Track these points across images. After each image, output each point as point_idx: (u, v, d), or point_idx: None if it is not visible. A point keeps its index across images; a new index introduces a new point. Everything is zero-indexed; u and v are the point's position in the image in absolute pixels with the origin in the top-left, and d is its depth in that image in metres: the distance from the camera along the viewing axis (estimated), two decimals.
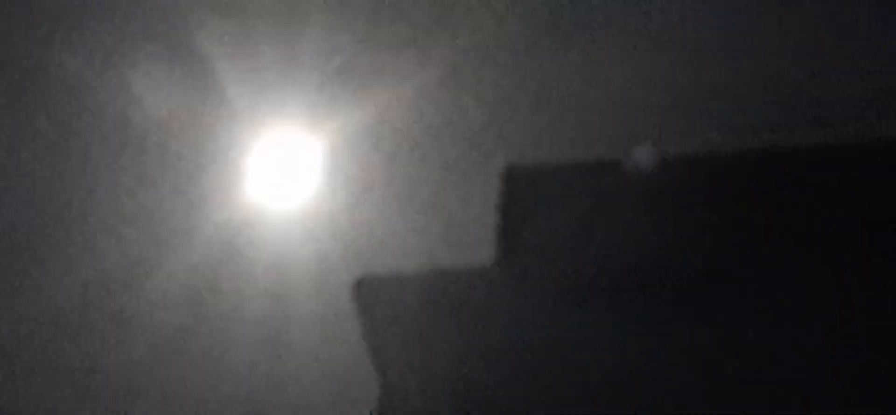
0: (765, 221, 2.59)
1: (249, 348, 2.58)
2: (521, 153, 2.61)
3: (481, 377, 2.24)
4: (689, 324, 2.38)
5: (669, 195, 2.56)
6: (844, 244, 2.53)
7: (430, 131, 2.58)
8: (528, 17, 2.58)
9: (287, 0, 2.53)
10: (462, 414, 2.21)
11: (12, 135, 2.50)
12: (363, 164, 2.58)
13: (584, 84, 2.60)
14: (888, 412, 2.16)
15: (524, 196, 2.60)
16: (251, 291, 2.57)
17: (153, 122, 2.53)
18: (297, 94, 2.55)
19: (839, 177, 2.60)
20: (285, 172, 2.56)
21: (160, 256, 2.55)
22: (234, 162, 2.55)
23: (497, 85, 2.59)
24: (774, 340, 2.29)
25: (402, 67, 2.57)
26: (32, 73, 2.50)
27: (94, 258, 2.55)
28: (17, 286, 2.54)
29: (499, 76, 2.59)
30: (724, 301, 2.44)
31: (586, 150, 2.63)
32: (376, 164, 2.58)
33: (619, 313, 2.42)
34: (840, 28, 2.65)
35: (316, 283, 2.57)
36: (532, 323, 2.41)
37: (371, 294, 2.50)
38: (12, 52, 2.50)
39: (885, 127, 2.62)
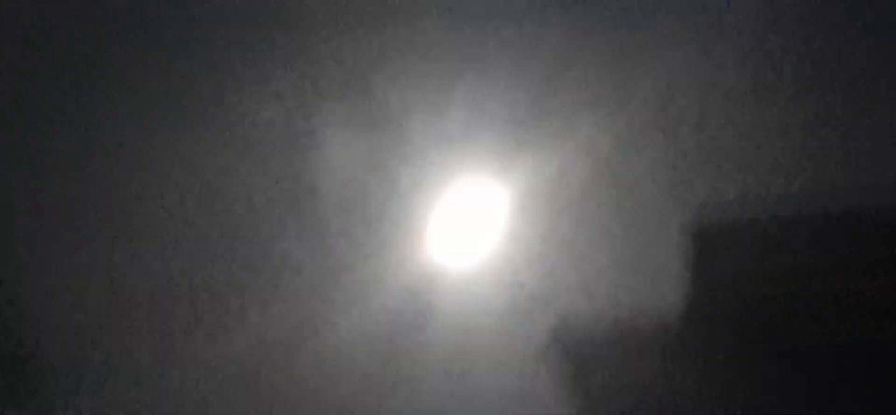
0: None
1: (436, 405, 2.56)
2: (699, 215, 2.61)
3: None
4: None
5: None
6: None
7: (614, 186, 2.58)
8: (713, 73, 2.60)
9: (473, 55, 2.56)
10: None
11: (200, 186, 2.52)
12: (546, 219, 2.58)
13: (768, 138, 2.60)
14: None
15: (702, 257, 2.60)
16: (437, 346, 2.55)
17: (340, 176, 2.54)
18: (483, 149, 2.57)
19: None
20: (471, 227, 2.57)
21: (346, 311, 2.54)
22: (420, 217, 2.56)
23: (684, 140, 2.60)
24: None
25: (587, 122, 2.59)
26: (225, 124, 2.53)
27: (278, 314, 2.54)
28: (193, 344, 2.54)
29: (685, 132, 2.60)
30: None
31: (765, 208, 2.62)
32: (559, 219, 2.58)
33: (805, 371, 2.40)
34: None
35: (502, 337, 2.55)
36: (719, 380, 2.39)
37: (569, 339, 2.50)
38: (203, 104, 2.53)
39: None
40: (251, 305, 2.53)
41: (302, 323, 2.54)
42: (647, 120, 2.59)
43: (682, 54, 2.60)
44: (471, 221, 2.56)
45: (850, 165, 2.58)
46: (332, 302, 2.55)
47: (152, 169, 2.54)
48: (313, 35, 2.54)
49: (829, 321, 2.53)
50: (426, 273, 2.55)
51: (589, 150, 2.58)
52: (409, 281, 2.55)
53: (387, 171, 2.55)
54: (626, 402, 2.35)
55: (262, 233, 2.54)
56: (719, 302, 2.57)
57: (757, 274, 2.57)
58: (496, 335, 2.54)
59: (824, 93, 2.60)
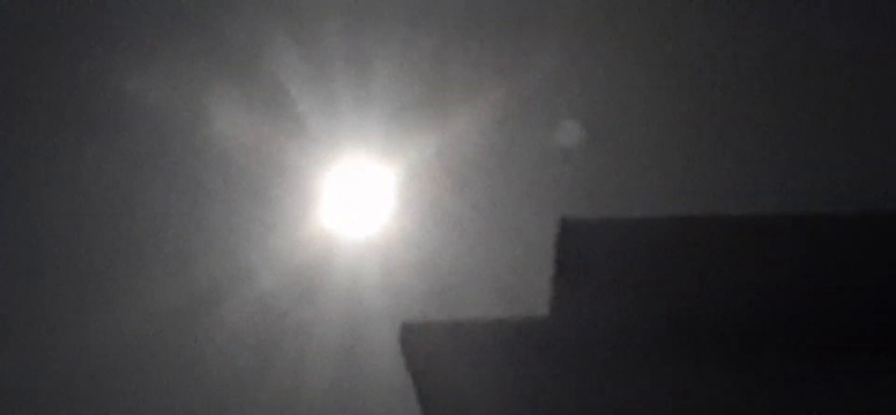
0: None
1: (322, 377, 2.59)
2: (577, 197, 2.63)
3: None
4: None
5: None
6: None
7: (500, 160, 2.61)
8: (598, 45, 2.61)
9: (361, 31, 2.55)
10: None
11: (92, 161, 2.52)
12: (434, 191, 2.61)
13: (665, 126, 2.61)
14: None
15: (580, 247, 2.61)
16: (324, 317, 2.59)
17: (229, 149, 2.55)
18: (372, 123, 2.58)
19: None
20: (359, 200, 2.58)
21: (235, 282, 2.57)
22: (309, 189, 2.58)
23: (564, 118, 2.61)
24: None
25: (475, 96, 2.61)
26: (113, 101, 2.52)
27: (168, 285, 2.56)
28: (90, 314, 2.57)
29: (569, 109, 2.62)
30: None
31: (642, 203, 2.65)
32: (447, 191, 2.60)
33: (669, 370, 2.42)
34: None
35: (388, 310, 2.60)
36: (577, 377, 2.40)
37: (414, 340, 2.52)
38: (94, 80, 2.52)
39: None
40: (146, 279, 2.56)
41: (195, 298, 2.58)
42: (538, 96, 2.61)
43: (579, 32, 2.61)
44: (360, 196, 2.58)
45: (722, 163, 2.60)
46: (225, 276, 2.58)
47: (56, 150, 2.54)
48: (204, 14, 2.54)
49: (680, 314, 2.55)
50: (316, 248, 2.59)
51: (478, 126, 2.59)
52: (299, 256, 2.58)
53: (277, 146, 2.56)
54: (506, 377, 2.36)
55: (156, 210, 2.56)
56: (598, 293, 2.58)
57: (641, 265, 2.59)
58: (384, 309, 2.59)
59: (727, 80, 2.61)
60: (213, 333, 2.58)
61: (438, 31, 2.57)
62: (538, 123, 2.61)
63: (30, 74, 2.49)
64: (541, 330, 2.57)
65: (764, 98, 2.64)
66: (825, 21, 2.64)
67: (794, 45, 2.64)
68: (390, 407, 2.63)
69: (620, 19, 2.61)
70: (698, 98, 2.64)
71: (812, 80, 2.65)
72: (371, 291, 2.60)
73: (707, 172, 2.65)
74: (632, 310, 2.60)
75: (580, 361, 2.45)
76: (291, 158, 2.57)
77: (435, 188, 2.60)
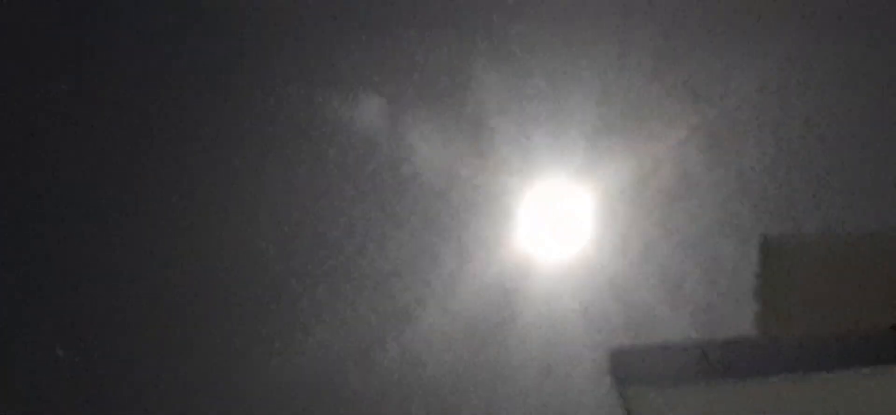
0: None
1: (521, 403, 2.58)
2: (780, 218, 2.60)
3: None
4: None
5: None
6: None
7: (697, 188, 2.59)
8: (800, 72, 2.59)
9: (559, 54, 2.56)
10: None
11: (288, 184, 2.55)
12: (631, 218, 2.59)
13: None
14: None
15: (781, 264, 2.59)
16: (522, 344, 2.58)
17: (427, 174, 2.56)
18: (567, 148, 2.59)
19: None
20: (555, 225, 2.58)
21: (430, 306, 2.57)
22: (506, 215, 2.58)
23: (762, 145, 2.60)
24: None
25: (670, 122, 2.59)
26: (312, 127, 2.55)
27: (363, 309, 2.58)
28: (285, 339, 2.58)
29: (762, 140, 2.60)
30: None
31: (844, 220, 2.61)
32: (643, 218, 2.59)
33: (878, 390, 2.39)
34: None
35: (584, 335, 2.58)
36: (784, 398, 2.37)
37: (625, 367, 2.51)
38: (291, 103, 2.56)
39: None
40: (342, 301, 2.56)
41: (389, 321, 2.58)
42: (737, 122, 2.59)
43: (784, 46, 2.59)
44: (555, 221, 2.58)
45: None
46: (421, 301, 2.58)
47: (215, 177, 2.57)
48: (409, 39, 2.56)
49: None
50: (512, 272, 2.58)
51: (674, 152, 2.58)
52: (495, 279, 2.58)
53: (473, 171, 2.56)
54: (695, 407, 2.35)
55: (355, 233, 2.57)
56: (795, 316, 2.56)
57: (833, 291, 2.56)
58: (579, 334, 2.57)
59: None
60: (406, 357, 2.58)
61: (641, 52, 2.57)
62: (737, 143, 2.59)
63: (234, 95, 2.52)
64: (746, 353, 2.54)
65: None
66: None
67: None
68: None
69: (821, 35, 2.60)
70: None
71: None
72: (569, 317, 2.59)
73: None
74: (837, 328, 2.57)
75: (788, 382, 2.42)
76: (488, 183, 2.57)
77: (633, 212, 2.59)
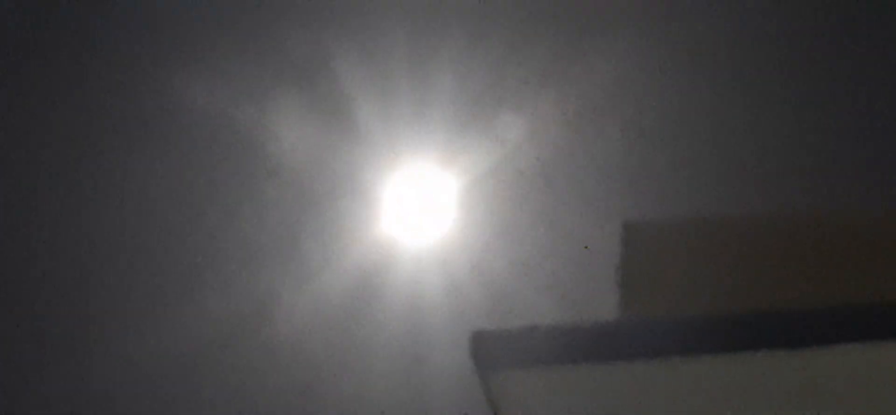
0: None
1: (384, 385, 2.58)
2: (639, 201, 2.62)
3: None
4: None
5: None
6: None
7: (561, 168, 2.59)
8: (662, 54, 2.61)
9: (421, 39, 2.55)
10: None
11: (147, 171, 2.51)
12: (496, 200, 2.59)
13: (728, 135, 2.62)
14: None
15: (641, 249, 2.60)
16: (386, 326, 2.57)
17: (290, 158, 2.54)
18: (432, 132, 2.57)
19: None
20: (419, 208, 2.58)
21: (297, 291, 2.55)
22: (370, 198, 2.56)
23: (625, 124, 2.61)
24: None
25: (534, 104, 2.59)
26: (169, 111, 2.52)
27: (231, 294, 2.56)
28: (155, 323, 2.54)
29: (626, 116, 2.61)
30: None
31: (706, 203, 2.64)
32: (508, 200, 2.59)
33: (737, 374, 2.40)
34: None
35: (449, 317, 2.58)
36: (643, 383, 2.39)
37: (486, 348, 2.49)
38: (148, 87, 2.52)
39: None
40: (210, 285, 2.54)
41: (260, 303, 2.56)
42: (599, 106, 2.60)
43: (639, 35, 2.61)
44: (419, 203, 2.57)
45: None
46: (288, 281, 2.56)
47: (112, 160, 2.52)
48: (265, 25, 2.53)
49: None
50: (377, 254, 2.57)
51: (537, 134, 2.59)
52: (361, 261, 2.56)
53: (338, 154, 2.55)
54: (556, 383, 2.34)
55: (214, 218, 2.54)
56: (659, 299, 2.57)
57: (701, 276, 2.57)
58: (445, 316, 2.57)
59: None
60: (274, 341, 2.57)
61: (498, 39, 2.56)
62: (598, 127, 2.60)
63: (85, 80, 2.47)
64: (607, 336, 2.54)
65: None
66: None
67: None
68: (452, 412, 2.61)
69: (680, 22, 2.61)
70: (760, 99, 2.64)
71: None
72: (431, 299, 2.58)
73: (775, 169, 2.65)
74: (700, 311, 2.58)
75: (645, 366, 2.42)
76: (351, 167, 2.55)
77: (495, 196, 2.59)
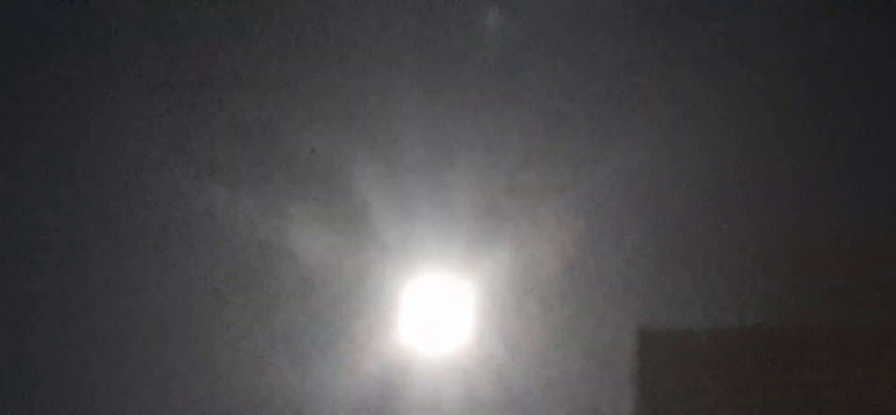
0: None
1: None
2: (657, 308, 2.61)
3: None
4: None
5: None
6: None
7: (580, 277, 2.59)
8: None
9: (439, 145, 2.56)
10: None
11: (163, 275, 2.51)
12: (515, 308, 2.58)
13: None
14: None
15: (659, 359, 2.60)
16: None
17: (308, 264, 2.53)
18: (450, 238, 2.57)
19: None
20: (439, 315, 2.57)
21: (315, 398, 2.54)
22: (390, 305, 2.55)
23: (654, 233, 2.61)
24: None
25: (552, 211, 2.59)
26: (190, 217, 2.52)
27: (252, 400, 2.53)
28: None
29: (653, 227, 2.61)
30: None
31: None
32: (528, 307, 2.58)
33: None
34: None
35: None
36: None
37: None
38: (167, 191, 2.52)
39: None
40: (224, 386, 2.52)
41: (282, 409, 2.53)
42: (615, 209, 2.60)
43: (657, 143, 2.61)
44: (438, 310, 2.57)
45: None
46: (302, 393, 2.54)
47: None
48: (285, 133, 2.54)
49: None
50: (394, 361, 2.56)
51: (556, 239, 2.59)
52: (377, 368, 2.55)
53: (355, 261, 2.54)
54: None
55: (232, 324, 2.53)
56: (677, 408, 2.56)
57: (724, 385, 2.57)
58: None
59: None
60: None
61: (517, 146, 2.58)
62: (616, 233, 2.60)
63: (98, 185, 2.48)
64: None
65: None
66: None
67: None
68: None
69: (697, 134, 2.62)
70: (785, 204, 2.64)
71: None
72: (450, 410, 2.57)
73: (793, 282, 2.64)
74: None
75: None
76: (369, 274, 2.55)
77: (514, 303, 2.59)
